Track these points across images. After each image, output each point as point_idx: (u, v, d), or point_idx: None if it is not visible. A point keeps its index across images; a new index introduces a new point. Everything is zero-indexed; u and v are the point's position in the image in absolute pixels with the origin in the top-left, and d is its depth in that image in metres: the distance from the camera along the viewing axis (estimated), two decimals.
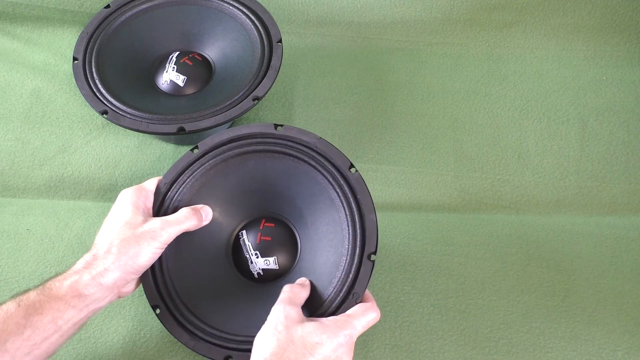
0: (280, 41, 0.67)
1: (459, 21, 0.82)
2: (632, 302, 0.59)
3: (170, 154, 0.70)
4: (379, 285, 0.59)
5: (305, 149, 0.53)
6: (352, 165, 0.52)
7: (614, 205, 0.69)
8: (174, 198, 0.53)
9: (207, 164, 0.54)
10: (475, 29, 0.82)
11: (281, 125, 0.54)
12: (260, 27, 0.68)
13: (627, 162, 0.72)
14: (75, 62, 0.67)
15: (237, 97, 0.63)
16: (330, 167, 0.52)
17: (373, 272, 0.48)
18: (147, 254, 0.47)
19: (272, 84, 0.63)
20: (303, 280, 0.50)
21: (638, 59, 0.81)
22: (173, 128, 0.61)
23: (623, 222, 0.66)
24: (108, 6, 0.71)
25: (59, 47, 0.79)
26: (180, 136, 0.62)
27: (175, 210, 0.52)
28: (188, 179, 0.54)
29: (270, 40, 0.67)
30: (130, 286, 0.50)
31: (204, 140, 0.55)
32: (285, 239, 0.56)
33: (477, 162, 0.71)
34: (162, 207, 0.53)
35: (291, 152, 0.54)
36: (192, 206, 0.52)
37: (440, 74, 0.79)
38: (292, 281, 0.52)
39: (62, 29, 0.80)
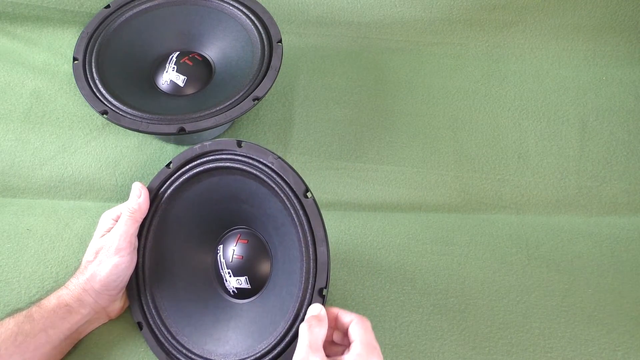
0: (280, 41, 0.67)
1: (459, 21, 0.82)
2: (632, 302, 0.59)
3: (170, 154, 0.70)
4: (379, 285, 0.59)
5: (264, 169, 0.51)
6: (307, 190, 0.49)
7: (614, 205, 0.69)
8: (152, 222, 0.55)
9: (177, 182, 0.55)
10: (475, 29, 0.82)
11: (244, 142, 0.53)
12: (260, 27, 0.68)
13: (627, 162, 0.72)
14: (75, 62, 0.67)
15: (237, 97, 0.63)
16: (287, 189, 0.49)
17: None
18: (105, 268, 0.51)
19: (272, 84, 0.63)
20: (320, 313, 0.44)
21: (638, 59, 0.81)
22: (173, 128, 0.61)
23: (623, 222, 0.66)
24: (108, 6, 0.71)
25: (59, 47, 0.79)
26: (180, 136, 0.62)
27: (154, 235, 0.55)
28: (164, 198, 0.55)
29: (270, 40, 0.67)
30: (117, 304, 0.54)
31: (177, 155, 0.56)
32: (256, 258, 0.54)
33: (477, 162, 0.71)
34: (141, 232, 0.55)
35: (252, 170, 0.51)
36: (129, 206, 0.53)
37: (440, 74, 0.79)
38: (266, 300, 0.52)
39: (62, 29, 0.80)
